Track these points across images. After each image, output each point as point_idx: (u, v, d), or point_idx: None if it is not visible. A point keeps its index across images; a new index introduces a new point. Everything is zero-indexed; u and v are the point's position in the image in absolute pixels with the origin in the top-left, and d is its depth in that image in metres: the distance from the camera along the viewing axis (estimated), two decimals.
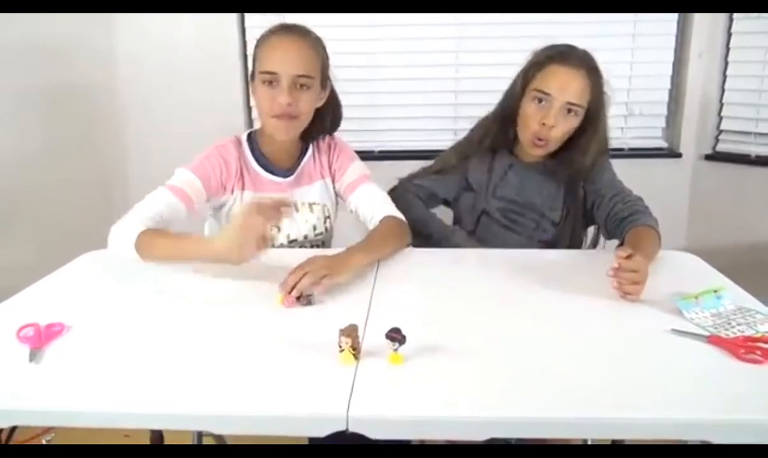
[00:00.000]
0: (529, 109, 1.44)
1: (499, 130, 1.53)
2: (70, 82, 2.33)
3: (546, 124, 1.41)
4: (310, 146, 1.50)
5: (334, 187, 1.53)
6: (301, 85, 1.33)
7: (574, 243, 1.58)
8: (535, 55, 1.46)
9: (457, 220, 1.65)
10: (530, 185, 1.53)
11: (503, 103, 1.52)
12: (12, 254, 2.02)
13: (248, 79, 2.52)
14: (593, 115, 1.44)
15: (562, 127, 1.42)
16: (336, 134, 1.55)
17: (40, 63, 2.16)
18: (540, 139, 1.43)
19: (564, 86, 1.39)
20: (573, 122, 1.43)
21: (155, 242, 1.21)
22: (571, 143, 1.47)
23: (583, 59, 1.42)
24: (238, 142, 1.44)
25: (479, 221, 1.57)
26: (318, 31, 1.41)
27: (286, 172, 1.45)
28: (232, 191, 1.40)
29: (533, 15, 2.45)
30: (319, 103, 1.42)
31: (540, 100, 1.41)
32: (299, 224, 1.46)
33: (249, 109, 2.61)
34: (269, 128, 1.38)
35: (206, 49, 2.54)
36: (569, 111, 1.41)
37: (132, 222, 1.25)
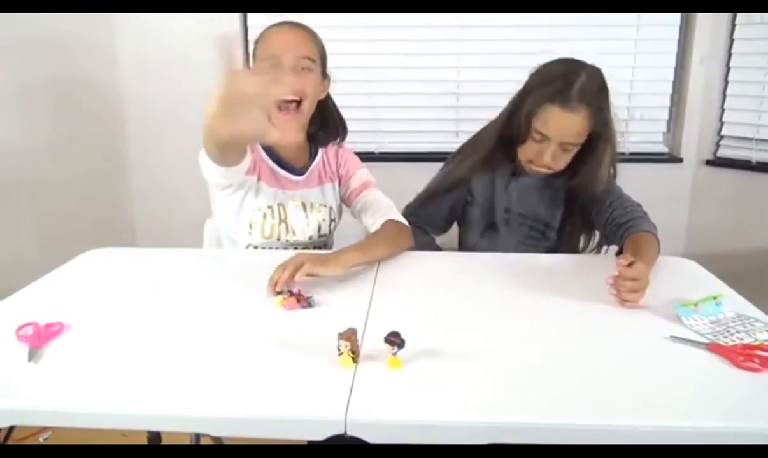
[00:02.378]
0: (527, 143, 1.43)
1: (505, 148, 1.50)
2: (72, 78, 2.34)
3: (542, 165, 1.41)
4: (320, 151, 1.51)
5: (339, 192, 1.54)
6: (303, 68, 1.34)
7: (575, 248, 1.58)
8: (537, 86, 1.40)
9: (462, 232, 1.63)
10: (532, 195, 1.52)
11: (507, 123, 1.47)
12: (14, 249, 2.02)
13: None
14: (596, 142, 1.41)
15: (558, 162, 1.42)
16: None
17: (43, 59, 2.17)
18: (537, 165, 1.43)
19: (561, 130, 1.37)
20: (570, 156, 1.42)
21: None
22: (575, 160, 1.45)
23: (583, 96, 1.34)
24: None
25: (483, 233, 1.56)
26: (320, 33, 1.43)
27: (298, 171, 1.46)
28: (255, 175, 1.38)
29: (535, 18, 2.46)
30: (322, 95, 1.43)
31: (538, 140, 1.40)
32: (305, 225, 1.46)
33: None
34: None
35: (208, 46, 2.53)
36: (566, 149, 1.40)
37: None
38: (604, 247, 1.55)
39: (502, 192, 1.53)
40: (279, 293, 1.09)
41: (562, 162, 1.43)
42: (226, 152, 1.20)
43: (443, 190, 1.57)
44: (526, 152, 1.44)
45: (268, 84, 0.92)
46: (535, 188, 1.52)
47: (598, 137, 1.41)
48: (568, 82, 1.35)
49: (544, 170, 1.44)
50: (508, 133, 1.47)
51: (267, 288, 1.11)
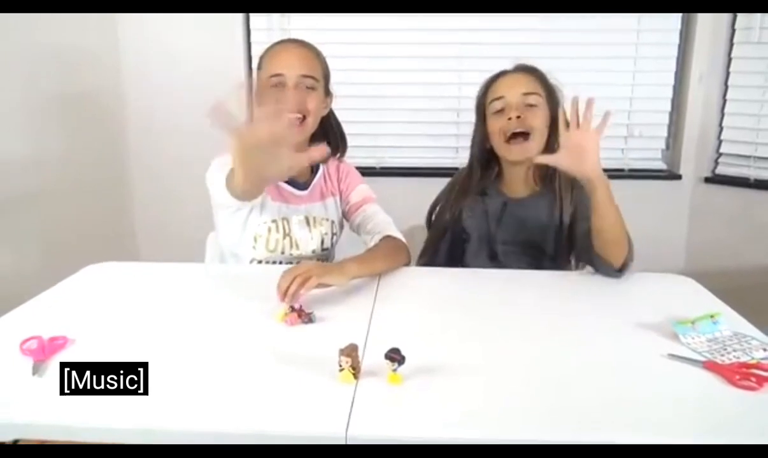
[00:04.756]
0: (491, 121, 1.49)
1: (482, 167, 1.56)
2: (76, 91, 2.36)
3: (512, 119, 1.44)
4: (321, 166, 1.54)
5: (341, 206, 1.56)
6: (307, 87, 1.37)
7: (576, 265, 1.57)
8: (481, 86, 1.57)
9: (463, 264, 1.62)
10: (528, 221, 1.51)
11: (474, 142, 1.58)
12: (19, 260, 2.04)
13: (252, 91, 2.57)
14: (555, 115, 1.47)
15: (530, 119, 1.44)
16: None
17: (47, 72, 2.19)
18: (513, 135, 1.45)
19: (512, 85, 1.48)
20: (539, 112, 1.46)
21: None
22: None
23: (523, 66, 1.52)
24: None
25: (487, 265, 1.54)
26: (322, 48, 1.46)
27: (301, 185, 1.48)
28: None
29: (536, 36, 2.50)
30: (324, 111, 1.46)
31: (499, 109, 1.47)
32: (309, 239, 1.47)
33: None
34: None
35: (212, 60, 2.57)
36: (530, 105, 1.45)
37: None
38: None
39: (496, 222, 1.53)
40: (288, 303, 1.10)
41: (534, 119, 1.45)
42: (251, 192, 1.21)
43: (439, 234, 1.59)
44: (495, 129, 1.48)
45: (280, 123, 0.94)
46: (531, 212, 1.51)
47: (554, 102, 1.48)
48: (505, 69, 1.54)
49: (519, 138, 1.45)
50: (479, 144, 1.55)
51: (276, 295, 1.11)
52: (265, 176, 1.02)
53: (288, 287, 1.10)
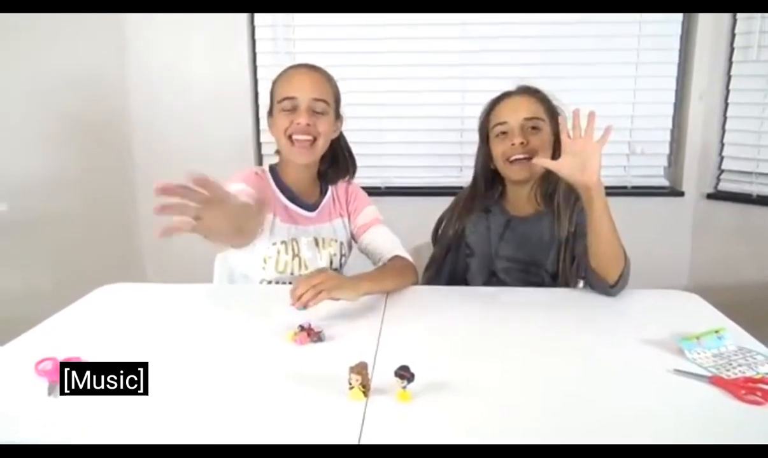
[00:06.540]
0: (495, 144, 1.51)
1: (486, 185, 1.58)
2: (85, 115, 2.40)
3: (515, 144, 1.45)
4: (330, 188, 1.56)
5: (349, 227, 1.58)
6: (318, 110, 1.41)
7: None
8: (484, 108, 1.58)
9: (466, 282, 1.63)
10: (531, 239, 1.52)
11: (477, 163, 1.60)
12: (28, 280, 2.06)
13: (258, 113, 2.62)
14: (558, 135, 1.44)
15: (533, 143, 1.46)
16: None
17: (57, 96, 2.23)
18: (515, 158, 1.46)
19: (515, 109, 1.49)
20: (542, 135, 1.47)
21: None
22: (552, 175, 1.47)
23: (525, 89, 1.52)
24: (263, 173, 1.50)
25: (487, 283, 1.55)
26: (327, 69, 1.49)
27: (310, 207, 1.50)
28: (271, 213, 1.43)
29: (538, 56, 2.55)
30: (334, 134, 1.49)
31: (502, 133, 1.49)
32: (317, 259, 1.49)
33: (259, 144, 2.67)
34: (288, 151, 1.43)
35: (218, 82, 2.61)
36: (533, 128, 1.46)
37: None
38: None
39: (498, 239, 1.55)
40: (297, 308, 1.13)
41: (536, 141, 1.46)
42: (248, 238, 1.26)
43: (443, 250, 1.60)
44: (498, 152, 1.50)
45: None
46: (533, 231, 1.52)
47: (556, 123, 1.44)
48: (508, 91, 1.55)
49: (521, 157, 1.46)
50: (482, 165, 1.57)
51: (289, 302, 1.14)
52: (252, 226, 1.15)
53: (302, 295, 1.12)
